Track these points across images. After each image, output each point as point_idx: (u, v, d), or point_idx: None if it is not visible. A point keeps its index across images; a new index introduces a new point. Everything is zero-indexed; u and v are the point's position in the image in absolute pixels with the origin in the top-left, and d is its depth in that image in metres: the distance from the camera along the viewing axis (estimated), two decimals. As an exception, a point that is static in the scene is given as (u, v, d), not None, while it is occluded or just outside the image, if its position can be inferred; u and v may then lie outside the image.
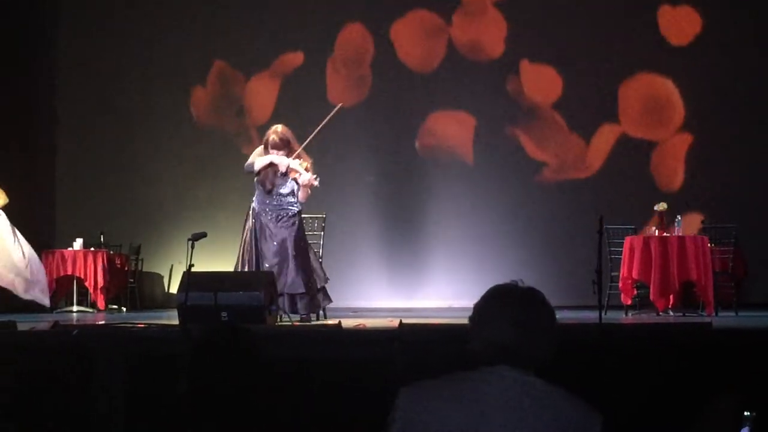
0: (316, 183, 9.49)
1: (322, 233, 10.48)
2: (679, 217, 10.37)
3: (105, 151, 13.03)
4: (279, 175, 9.41)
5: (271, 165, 9.40)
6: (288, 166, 9.42)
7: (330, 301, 9.61)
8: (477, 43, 12.69)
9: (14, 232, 10.26)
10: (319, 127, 9.66)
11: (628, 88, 12.47)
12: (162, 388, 5.58)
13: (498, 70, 12.58)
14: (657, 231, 10.32)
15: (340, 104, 10.06)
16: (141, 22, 13.03)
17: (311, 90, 12.54)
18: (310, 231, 10.34)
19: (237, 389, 3.10)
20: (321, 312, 9.75)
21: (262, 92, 12.88)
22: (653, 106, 12.48)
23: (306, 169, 9.48)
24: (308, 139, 9.61)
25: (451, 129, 12.72)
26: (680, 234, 10.23)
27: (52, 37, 13.23)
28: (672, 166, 12.42)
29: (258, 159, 9.51)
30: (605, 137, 12.50)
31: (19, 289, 10.14)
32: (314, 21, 12.80)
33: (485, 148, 12.64)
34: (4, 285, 10.17)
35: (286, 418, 3.95)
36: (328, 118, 9.72)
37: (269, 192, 9.43)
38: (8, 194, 10.66)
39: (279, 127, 9.61)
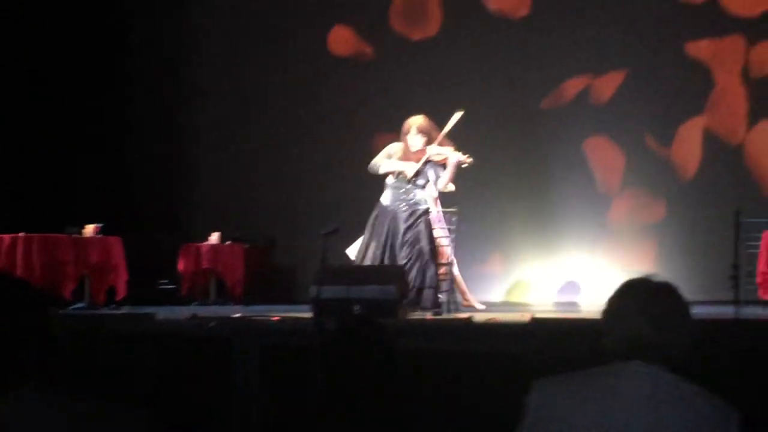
0: (469, 161, 9.47)
1: (453, 227, 10.44)
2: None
3: (242, 146, 13.21)
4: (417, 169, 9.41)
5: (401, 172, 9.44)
6: (417, 172, 9.40)
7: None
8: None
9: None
10: (442, 133, 9.54)
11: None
12: (296, 380, 5.67)
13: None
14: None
15: (461, 111, 9.69)
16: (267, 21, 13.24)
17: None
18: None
19: (369, 382, 3.13)
20: (453, 306, 9.75)
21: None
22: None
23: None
24: (435, 143, 9.50)
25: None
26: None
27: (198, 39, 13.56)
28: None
29: (385, 162, 9.52)
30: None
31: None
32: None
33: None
34: None
35: (417, 411, 3.96)
36: (450, 125, 9.58)
37: (409, 182, 9.41)
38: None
39: (420, 118, 9.59)
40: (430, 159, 9.45)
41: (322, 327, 6.83)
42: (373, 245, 9.44)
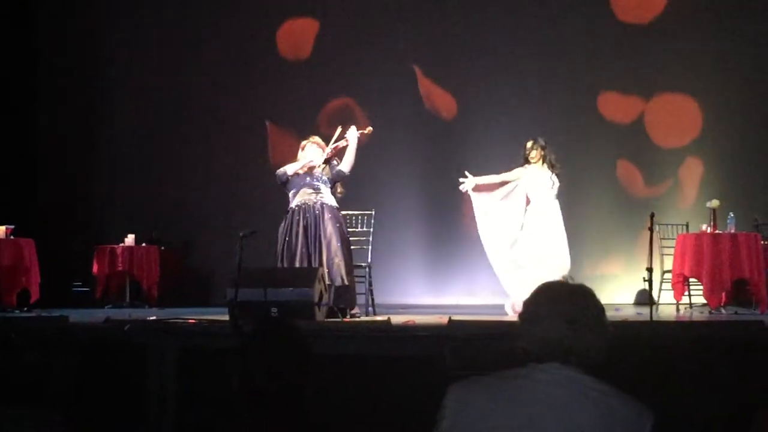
0: (367, 130, 9.53)
1: (371, 230, 10.45)
2: (731, 215, 10.23)
3: (157, 148, 13.10)
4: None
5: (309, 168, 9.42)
6: (330, 152, 9.44)
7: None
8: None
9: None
10: (334, 141, 9.58)
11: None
12: (212, 382, 5.63)
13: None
14: (709, 228, 10.20)
15: (369, 128, 9.70)
16: (182, 25, 13.15)
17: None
18: (358, 228, 10.35)
19: (286, 384, 3.11)
20: (371, 308, 9.76)
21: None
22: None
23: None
24: (331, 145, 9.54)
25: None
26: (733, 231, 10.11)
27: (108, 44, 13.39)
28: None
29: (290, 165, 9.52)
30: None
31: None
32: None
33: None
34: None
35: (336, 413, 3.95)
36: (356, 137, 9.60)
37: (312, 175, 9.39)
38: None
39: (315, 137, 9.64)
40: (334, 152, 9.49)
41: (239, 330, 6.80)
42: (291, 247, 9.36)
